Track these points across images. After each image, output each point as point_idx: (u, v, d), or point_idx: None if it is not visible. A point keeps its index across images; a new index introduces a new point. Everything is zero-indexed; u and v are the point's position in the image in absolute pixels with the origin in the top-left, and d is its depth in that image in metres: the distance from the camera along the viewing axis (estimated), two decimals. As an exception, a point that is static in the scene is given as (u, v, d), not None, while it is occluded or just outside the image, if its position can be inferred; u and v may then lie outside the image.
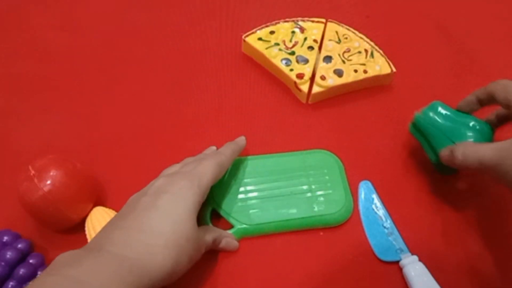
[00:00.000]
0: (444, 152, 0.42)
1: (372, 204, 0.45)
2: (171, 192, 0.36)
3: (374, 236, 0.43)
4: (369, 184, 0.47)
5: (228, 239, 0.42)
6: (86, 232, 0.41)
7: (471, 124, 0.43)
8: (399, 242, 0.43)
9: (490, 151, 0.37)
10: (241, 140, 0.47)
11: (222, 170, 0.41)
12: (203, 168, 0.39)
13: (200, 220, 0.43)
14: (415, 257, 0.41)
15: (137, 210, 0.35)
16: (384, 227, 0.44)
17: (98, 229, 0.40)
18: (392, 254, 0.42)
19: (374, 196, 0.46)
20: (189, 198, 0.36)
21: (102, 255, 0.32)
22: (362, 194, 0.46)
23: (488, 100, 0.43)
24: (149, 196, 0.36)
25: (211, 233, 0.40)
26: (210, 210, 0.44)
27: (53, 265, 0.31)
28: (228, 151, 0.44)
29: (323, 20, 0.59)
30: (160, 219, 0.34)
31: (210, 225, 0.43)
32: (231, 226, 0.43)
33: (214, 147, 0.47)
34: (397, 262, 0.42)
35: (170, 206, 0.35)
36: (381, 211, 0.45)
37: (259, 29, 0.57)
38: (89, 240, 0.40)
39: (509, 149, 0.35)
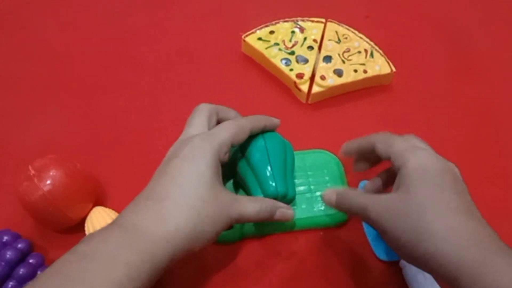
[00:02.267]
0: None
1: None
2: (180, 156, 0.34)
3: (374, 236, 0.43)
4: None
5: (283, 209, 0.38)
6: (86, 232, 0.41)
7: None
8: None
9: (383, 198, 0.34)
10: (274, 118, 0.42)
11: (241, 131, 0.37)
12: (219, 127, 0.37)
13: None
14: None
15: (151, 180, 0.34)
16: None
17: (98, 228, 0.40)
18: (392, 254, 0.42)
19: None
20: (199, 159, 0.34)
21: (112, 228, 0.31)
22: None
23: (369, 151, 0.39)
24: (162, 164, 0.35)
25: (253, 202, 0.36)
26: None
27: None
28: (250, 117, 0.40)
29: (323, 20, 0.59)
30: (169, 185, 0.33)
31: (259, 196, 0.39)
32: (230, 227, 0.43)
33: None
34: (397, 262, 0.42)
35: (179, 171, 0.33)
36: None
37: (258, 29, 0.57)
38: (89, 240, 0.40)
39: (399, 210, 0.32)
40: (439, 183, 0.32)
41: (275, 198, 0.39)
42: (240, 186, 0.43)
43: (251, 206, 0.36)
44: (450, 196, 0.32)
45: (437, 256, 0.30)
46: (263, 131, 0.40)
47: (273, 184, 0.38)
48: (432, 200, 0.31)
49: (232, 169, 0.42)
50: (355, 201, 0.35)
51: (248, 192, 0.41)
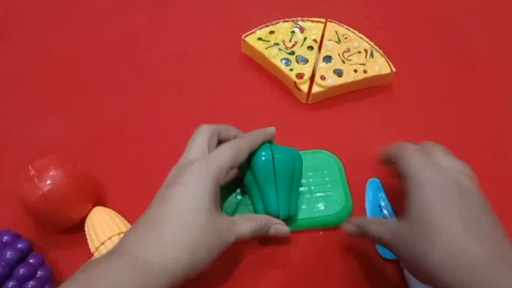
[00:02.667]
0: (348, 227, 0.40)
1: (378, 203, 0.45)
2: (180, 182, 0.34)
3: None
4: (378, 182, 0.47)
5: (277, 226, 0.39)
6: (86, 232, 0.41)
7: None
8: None
9: (390, 224, 0.36)
10: (270, 128, 0.42)
11: (240, 153, 0.38)
12: (218, 151, 0.37)
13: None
14: None
15: (151, 205, 0.35)
16: None
17: (98, 229, 0.40)
18: None
19: (381, 194, 0.46)
20: (200, 186, 0.34)
21: (114, 257, 0.31)
22: (370, 192, 0.46)
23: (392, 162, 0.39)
24: (162, 189, 0.35)
25: (248, 222, 0.37)
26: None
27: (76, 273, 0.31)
28: (248, 136, 0.41)
29: (323, 20, 0.59)
30: (169, 212, 0.33)
31: (251, 213, 0.41)
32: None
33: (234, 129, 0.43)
34: (398, 260, 0.42)
35: (180, 198, 0.34)
36: (385, 210, 0.45)
37: (258, 29, 0.57)
38: (88, 240, 0.40)
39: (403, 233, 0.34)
40: (445, 208, 0.32)
41: (276, 217, 0.40)
42: (245, 192, 0.44)
43: (247, 226, 0.37)
44: (456, 219, 0.32)
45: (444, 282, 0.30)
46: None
47: (276, 206, 0.40)
48: (435, 228, 0.32)
49: (240, 174, 0.42)
50: (369, 231, 0.37)
51: (251, 202, 0.42)
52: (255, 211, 0.41)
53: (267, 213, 0.40)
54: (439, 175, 0.34)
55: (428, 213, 0.32)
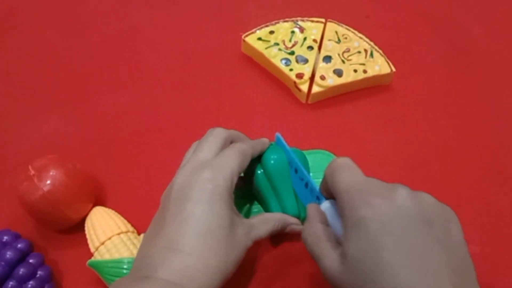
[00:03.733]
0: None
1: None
2: (195, 199, 0.33)
3: None
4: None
5: (293, 226, 0.39)
6: (86, 232, 0.41)
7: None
8: None
9: (334, 260, 0.30)
10: (265, 139, 0.41)
11: (244, 158, 0.37)
12: (225, 157, 0.36)
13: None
14: None
15: (166, 223, 0.33)
16: None
17: (98, 229, 0.40)
18: None
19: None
20: (216, 200, 0.33)
21: (142, 282, 0.30)
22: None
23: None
24: (173, 204, 0.33)
25: (266, 225, 0.37)
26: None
27: None
28: (249, 142, 0.40)
29: (323, 20, 0.59)
30: (192, 236, 0.32)
31: (265, 213, 0.40)
32: None
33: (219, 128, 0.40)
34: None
35: (197, 217, 0.32)
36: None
37: (258, 29, 0.57)
38: (88, 240, 0.40)
39: (358, 263, 0.27)
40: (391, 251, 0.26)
41: (296, 217, 0.40)
42: (254, 195, 0.43)
43: (265, 229, 0.37)
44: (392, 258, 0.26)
45: None
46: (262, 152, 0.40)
47: (296, 207, 0.40)
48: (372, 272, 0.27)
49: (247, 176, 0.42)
50: (313, 248, 0.32)
51: (263, 203, 0.42)
52: (270, 211, 0.41)
53: (285, 213, 0.40)
54: (384, 205, 0.28)
55: (370, 260, 0.27)
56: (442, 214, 0.29)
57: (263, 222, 0.37)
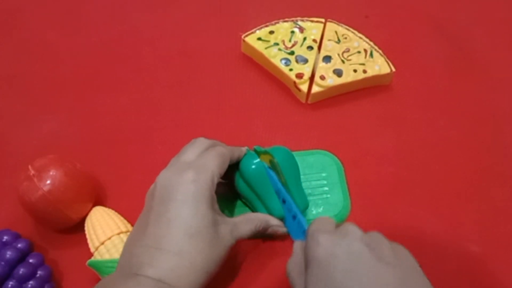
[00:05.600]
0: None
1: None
2: (179, 200, 0.34)
3: None
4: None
5: (275, 227, 0.40)
6: (86, 232, 0.41)
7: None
8: None
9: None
10: (242, 148, 0.42)
11: (224, 160, 0.38)
12: (205, 159, 0.37)
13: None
14: None
15: (151, 223, 0.34)
16: None
17: (98, 229, 0.40)
18: None
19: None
20: (198, 201, 0.34)
21: (130, 280, 0.31)
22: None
23: None
24: (157, 204, 0.35)
25: (248, 225, 0.38)
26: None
27: None
28: (227, 146, 0.41)
29: (323, 20, 0.59)
30: (177, 236, 0.33)
31: (249, 213, 0.41)
32: None
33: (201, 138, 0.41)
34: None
35: (182, 218, 0.34)
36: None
37: (258, 29, 0.57)
38: (88, 240, 0.40)
39: None
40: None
41: (281, 219, 0.41)
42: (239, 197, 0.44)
43: (248, 228, 0.38)
44: None
45: None
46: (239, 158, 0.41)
47: (280, 210, 0.40)
48: None
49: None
50: (293, 281, 0.34)
51: (252, 206, 0.42)
52: (256, 211, 0.41)
53: (271, 214, 0.41)
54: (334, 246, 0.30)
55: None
56: (393, 248, 0.31)
57: (246, 221, 0.38)
